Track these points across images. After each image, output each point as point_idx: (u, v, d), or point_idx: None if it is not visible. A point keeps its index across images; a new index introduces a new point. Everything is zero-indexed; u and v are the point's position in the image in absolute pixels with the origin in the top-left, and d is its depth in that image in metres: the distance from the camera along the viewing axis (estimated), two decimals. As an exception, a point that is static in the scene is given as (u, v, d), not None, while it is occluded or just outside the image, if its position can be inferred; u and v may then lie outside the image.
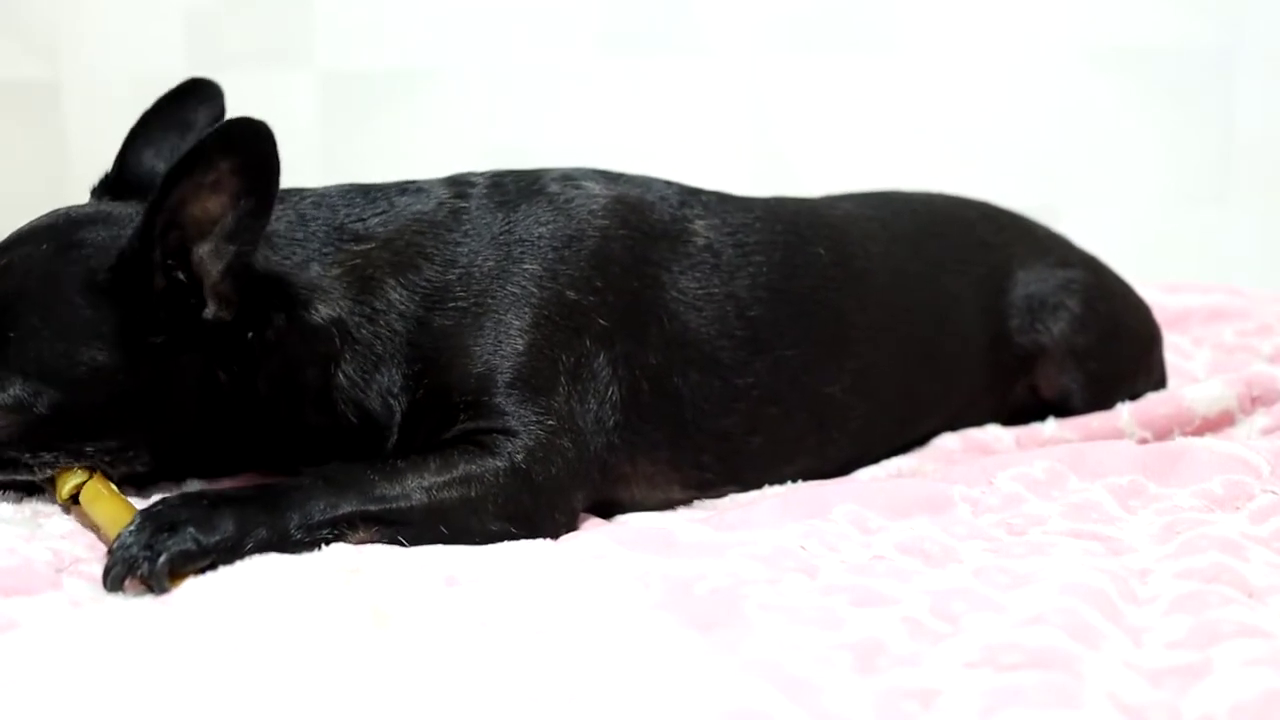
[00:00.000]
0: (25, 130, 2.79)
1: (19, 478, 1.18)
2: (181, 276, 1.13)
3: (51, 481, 1.18)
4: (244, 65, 2.73)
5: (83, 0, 2.76)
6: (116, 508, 1.12)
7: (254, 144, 1.10)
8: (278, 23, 2.72)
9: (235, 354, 1.18)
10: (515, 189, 1.33)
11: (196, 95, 1.36)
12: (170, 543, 1.01)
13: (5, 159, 2.79)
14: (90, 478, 1.16)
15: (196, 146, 1.09)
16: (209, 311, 1.14)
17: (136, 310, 1.13)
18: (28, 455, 1.15)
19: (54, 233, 1.18)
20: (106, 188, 1.32)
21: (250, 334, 1.17)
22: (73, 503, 1.16)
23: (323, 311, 1.20)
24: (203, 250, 1.13)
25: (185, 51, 2.74)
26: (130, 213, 1.20)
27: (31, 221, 1.22)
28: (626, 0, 2.68)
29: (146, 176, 1.31)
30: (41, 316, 1.13)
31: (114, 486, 1.16)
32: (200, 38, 2.74)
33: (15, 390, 1.12)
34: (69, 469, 1.17)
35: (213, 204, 1.11)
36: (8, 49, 2.79)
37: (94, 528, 1.14)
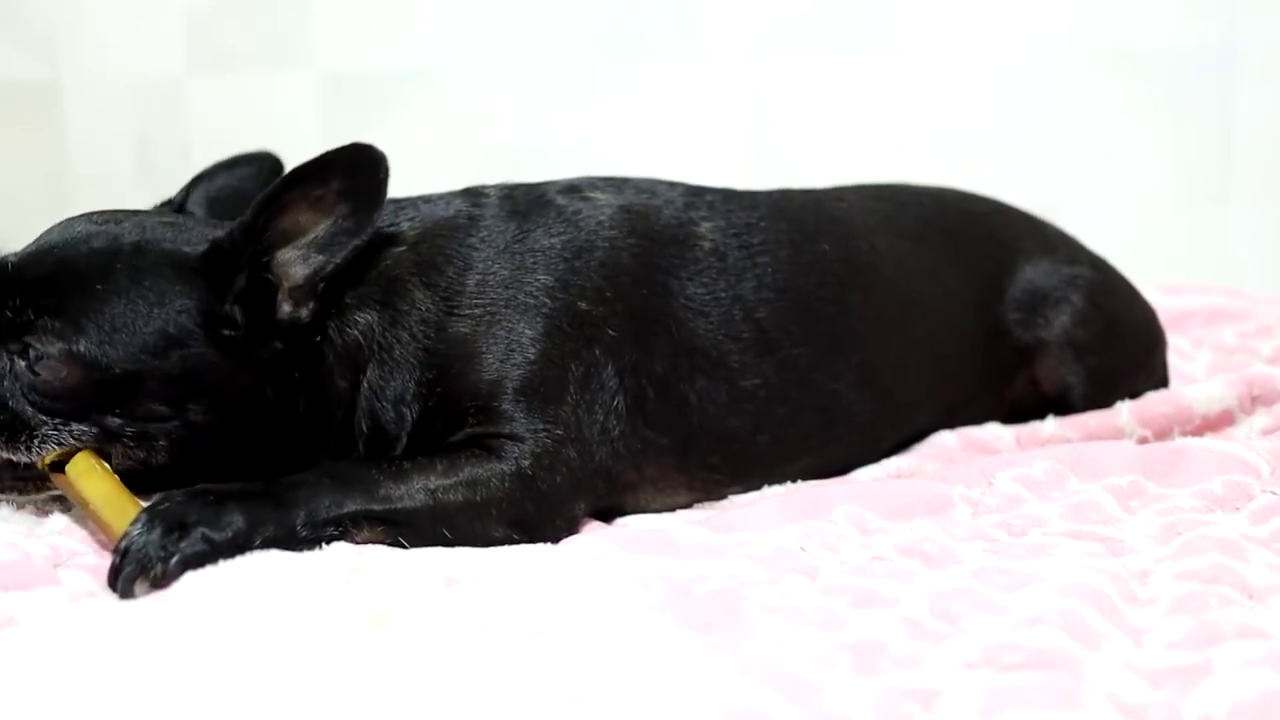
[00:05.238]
0: (25, 130, 2.79)
1: (16, 456, 1.15)
2: (268, 277, 1.18)
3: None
4: (244, 65, 2.73)
5: (83, 0, 2.76)
6: (109, 487, 1.11)
7: (370, 172, 1.17)
8: (278, 23, 2.72)
9: (288, 369, 1.20)
10: (525, 201, 1.35)
11: (259, 165, 1.41)
12: (184, 544, 1.02)
13: (5, 159, 2.79)
14: (78, 450, 1.14)
15: (317, 161, 1.15)
16: (284, 311, 1.18)
17: (218, 300, 1.17)
18: (57, 422, 1.14)
19: (126, 218, 1.22)
20: (170, 209, 1.37)
21: (318, 337, 1.21)
22: (53, 470, 1.14)
23: (360, 320, 1.24)
24: (288, 255, 1.18)
25: (185, 51, 2.74)
26: (191, 223, 1.26)
27: (88, 214, 1.25)
28: (626, 1, 2.67)
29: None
30: (131, 276, 1.16)
31: (106, 464, 1.15)
32: (200, 38, 2.74)
33: (88, 342, 1.13)
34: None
35: (307, 218, 1.17)
36: (8, 49, 2.79)
37: (81, 502, 1.12)
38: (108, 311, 1.14)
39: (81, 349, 1.12)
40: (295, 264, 1.18)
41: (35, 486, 1.19)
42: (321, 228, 1.18)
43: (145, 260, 1.16)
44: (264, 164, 1.42)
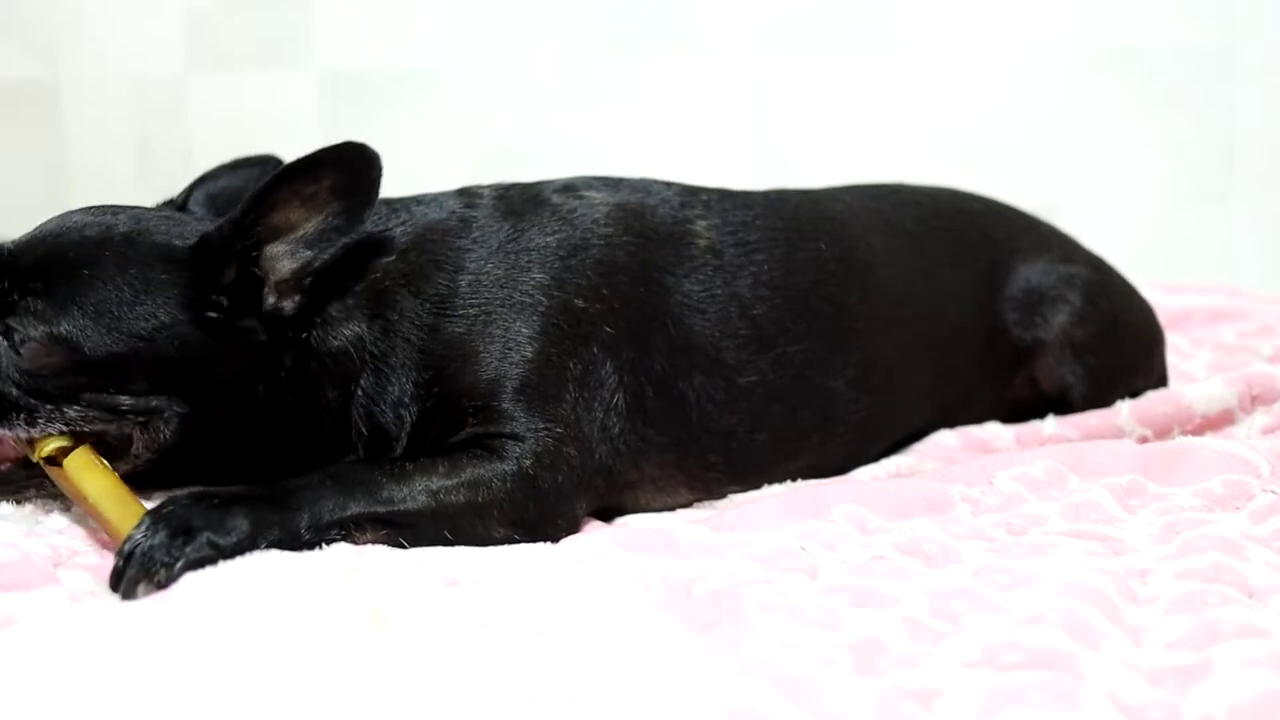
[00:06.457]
0: (25, 130, 2.79)
1: (13, 431, 1.14)
2: (256, 270, 1.18)
3: (30, 444, 1.16)
4: (244, 65, 2.73)
5: (83, 0, 2.76)
6: (109, 483, 1.11)
7: (363, 170, 1.18)
8: (278, 23, 2.72)
9: (274, 364, 1.20)
10: (520, 200, 1.35)
11: (262, 168, 1.41)
12: (189, 549, 1.01)
13: (5, 159, 2.79)
14: (76, 445, 1.14)
15: (309, 158, 1.15)
16: (269, 303, 1.19)
17: (205, 290, 1.17)
18: (48, 406, 1.13)
19: (123, 211, 1.23)
20: (171, 208, 1.37)
21: (304, 334, 1.21)
22: (49, 464, 1.14)
23: (346, 332, 1.23)
24: (277, 249, 1.18)
25: (185, 51, 2.74)
26: (187, 218, 1.26)
27: (88, 207, 1.25)
28: (626, 1, 2.68)
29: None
30: (118, 264, 1.16)
31: (105, 460, 1.14)
32: (200, 38, 2.74)
33: (71, 325, 1.13)
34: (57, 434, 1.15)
35: (298, 214, 1.18)
36: (8, 49, 2.79)
37: (79, 497, 1.12)
38: (92, 296, 1.14)
39: (63, 331, 1.13)
40: (283, 258, 1.19)
41: (53, 483, 1.19)
42: (311, 224, 1.18)
43: (134, 250, 1.17)
44: (267, 166, 1.41)
